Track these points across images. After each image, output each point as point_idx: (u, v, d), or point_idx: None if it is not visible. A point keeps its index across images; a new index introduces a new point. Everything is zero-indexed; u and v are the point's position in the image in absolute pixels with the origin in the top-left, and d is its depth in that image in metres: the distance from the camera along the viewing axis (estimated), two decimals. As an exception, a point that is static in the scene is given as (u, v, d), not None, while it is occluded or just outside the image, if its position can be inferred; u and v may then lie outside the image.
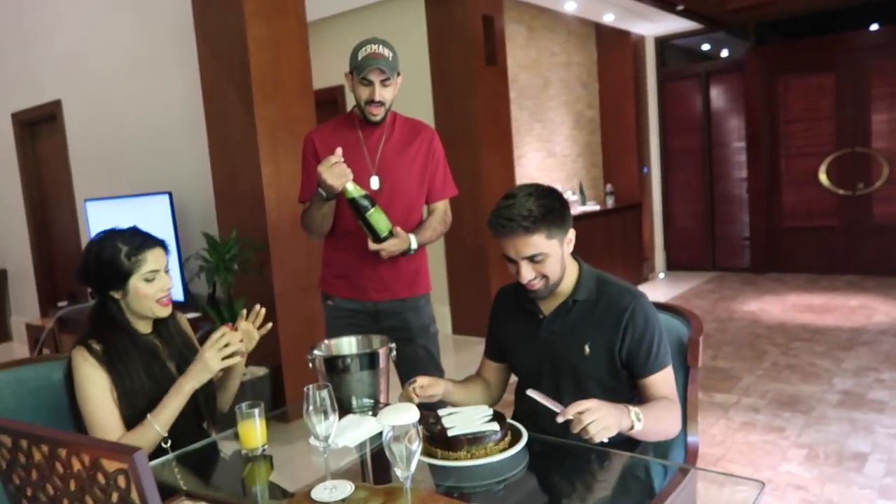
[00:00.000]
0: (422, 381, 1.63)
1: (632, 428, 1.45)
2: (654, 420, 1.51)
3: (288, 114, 3.63)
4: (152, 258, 1.68)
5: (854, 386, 3.65)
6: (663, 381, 1.61)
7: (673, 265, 7.60)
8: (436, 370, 2.31)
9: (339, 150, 1.99)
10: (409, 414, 1.09)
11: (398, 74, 2.18)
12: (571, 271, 1.66)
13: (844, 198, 6.57)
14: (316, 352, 1.92)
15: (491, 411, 1.45)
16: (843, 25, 6.49)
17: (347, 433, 1.51)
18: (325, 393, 1.25)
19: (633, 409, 1.46)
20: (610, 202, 6.84)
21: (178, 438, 1.65)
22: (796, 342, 4.55)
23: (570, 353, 1.61)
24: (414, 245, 2.17)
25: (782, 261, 6.94)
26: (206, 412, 1.79)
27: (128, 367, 1.65)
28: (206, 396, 1.78)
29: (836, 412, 3.32)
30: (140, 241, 1.68)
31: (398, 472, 1.09)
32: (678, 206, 7.57)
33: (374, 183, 2.18)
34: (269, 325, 1.83)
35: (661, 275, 7.43)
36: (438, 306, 5.31)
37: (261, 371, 3.64)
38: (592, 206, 6.55)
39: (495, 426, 1.37)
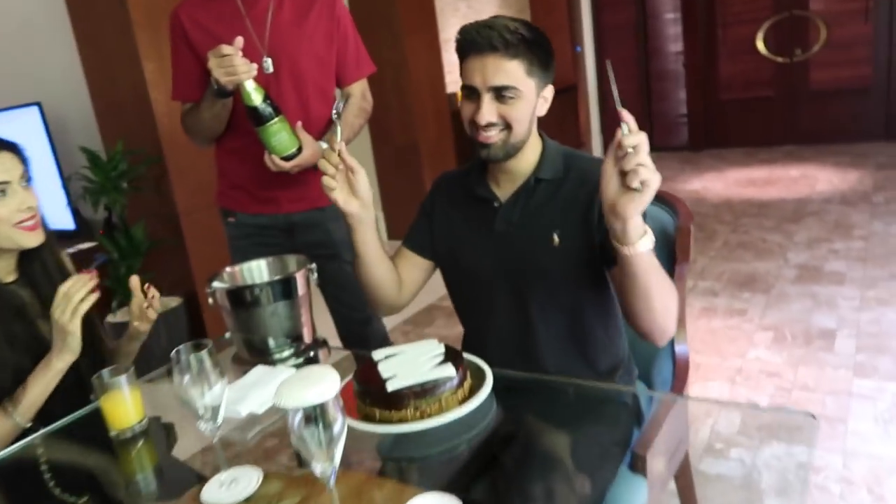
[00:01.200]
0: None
1: (632, 244, 1.02)
2: (658, 273, 1.08)
3: (167, -3, 3.00)
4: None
5: (809, 259, 3.51)
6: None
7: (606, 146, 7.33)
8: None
9: (238, 41, 1.52)
10: (324, 384, 0.72)
11: None
12: (534, 145, 1.30)
13: (782, 65, 6.34)
14: (215, 283, 1.52)
15: (441, 348, 1.10)
16: None
17: (253, 395, 1.13)
18: (203, 355, 0.87)
19: (647, 227, 1.05)
20: (544, 86, 6.42)
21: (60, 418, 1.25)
22: (744, 218, 4.39)
23: (535, 246, 1.26)
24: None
25: (720, 136, 6.76)
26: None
27: None
28: (91, 364, 1.36)
29: (796, 288, 3.17)
30: None
31: (316, 468, 0.74)
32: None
33: (267, 66, 1.71)
34: (154, 297, 1.42)
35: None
36: (370, 211, 4.90)
37: (174, 301, 3.20)
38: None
39: (449, 370, 1.02)
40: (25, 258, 1.35)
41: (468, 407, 1.00)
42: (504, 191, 1.32)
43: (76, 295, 1.19)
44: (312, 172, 1.79)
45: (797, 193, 4.79)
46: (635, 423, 1.27)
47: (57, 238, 1.45)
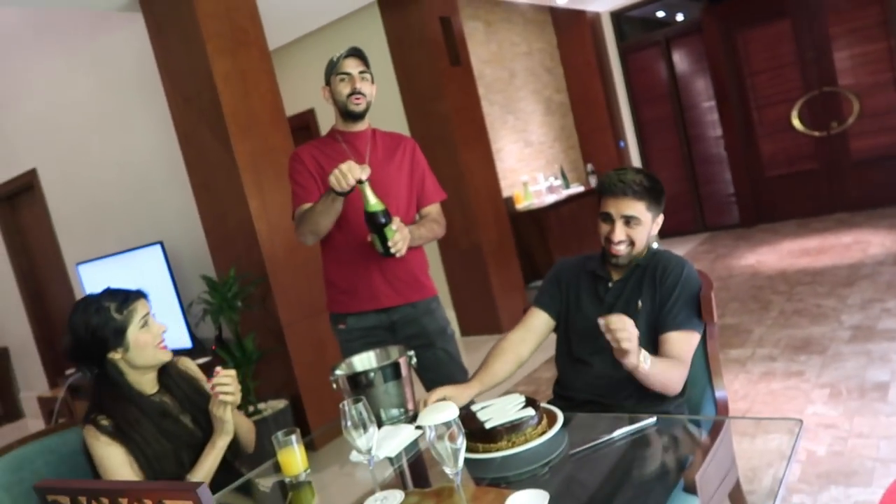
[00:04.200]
0: (441, 393, 1.66)
1: (637, 367, 1.55)
2: (660, 370, 1.62)
3: (265, 144, 3.64)
4: (140, 306, 1.71)
5: (863, 320, 3.70)
6: (679, 341, 1.69)
7: (664, 233, 7.63)
8: (459, 371, 2.34)
9: (350, 162, 1.96)
10: (447, 412, 1.11)
11: (373, 82, 2.25)
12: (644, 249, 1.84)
13: (820, 139, 6.64)
14: (337, 371, 1.94)
15: (523, 398, 1.47)
16: (791, -29, 6.56)
17: (385, 444, 1.52)
18: (360, 406, 1.27)
19: (644, 353, 1.56)
20: (593, 181, 6.88)
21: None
22: (798, 287, 4.59)
23: (627, 309, 1.73)
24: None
25: (770, 211, 7.00)
26: (230, 456, 1.78)
27: (143, 435, 1.64)
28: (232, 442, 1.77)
29: (850, 347, 3.36)
30: (123, 294, 1.72)
31: (447, 470, 1.11)
32: (660, 174, 7.47)
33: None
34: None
35: (655, 244, 7.46)
36: (443, 310, 5.31)
37: (281, 403, 3.64)
38: (577, 188, 6.59)
39: (531, 411, 1.39)
40: (163, 372, 1.79)
41: (545, 437, 1.36)
42: (616, 273, 1.84)
43: (224, 389, 1.64)
44: (400, 274, 2.24)
45: (850, 259, 4.97)
46: (689, 451, 1.58)
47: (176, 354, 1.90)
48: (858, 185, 6.51)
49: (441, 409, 1.12)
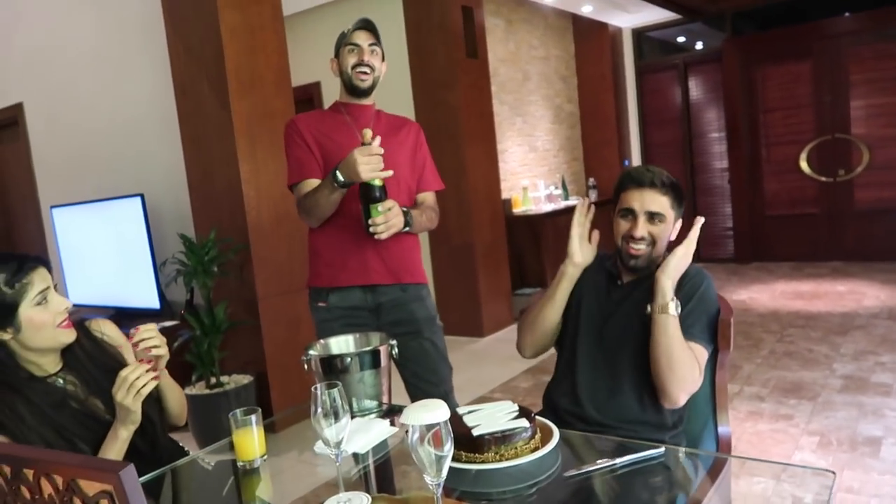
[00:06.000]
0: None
1: (666, 306, 1.50)
2: (681, 342, 1.49)
3: (265, 108, 3.46)
4: (38, 278, 1.43)
5: (855, 370, 3.58)
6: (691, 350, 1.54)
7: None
8: (445, 366, 2.18)
9: (377, 140, 1.86)
10: (438, 411, 0.94)
11: (383, 59, 2.16)
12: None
13: (826, 184, 6.55)
14: (311, 352, 1.77)
15: (516, 407, 1.31)
16: (818, 13, 6.48)
17: (355, 438, 1.36)
18: (335, 392, 1.10)
19: (676, 301, 1.51)
20: (593, 196, 6.76)
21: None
22: (791, 329, 4.48)
23: (635, 312, 1.59)
24: (408, 219, 2.02)
25: (766, 250, 6.91)
26: (143, 443, 1.50)
27: (28, 435, 1.37)
28: (142, 432, 1.49)
29: (842, 397, 3.24)
30: (17, 263, 1.42)
31: (427, 479, 0.95)
32: (660, 199, 7.48)
33: None
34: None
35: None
36: (425, 306, 5.16)
37: (245, 379, 3.46)
38: (576, 200, 6.45)
39: (524, 423, 1.23)
40: (66, 349, 1.50)
41: (537, 454, 1.20)
42: (627, 276, 1.69)
43: (138, 381, 1.36)
44: (394, 253, 2.08)
45: (844, 308, 4.87)
46: (685, 487, 1.43)
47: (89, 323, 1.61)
48: (858, 235, 6.43)
49: (430, 408, 0.96)
